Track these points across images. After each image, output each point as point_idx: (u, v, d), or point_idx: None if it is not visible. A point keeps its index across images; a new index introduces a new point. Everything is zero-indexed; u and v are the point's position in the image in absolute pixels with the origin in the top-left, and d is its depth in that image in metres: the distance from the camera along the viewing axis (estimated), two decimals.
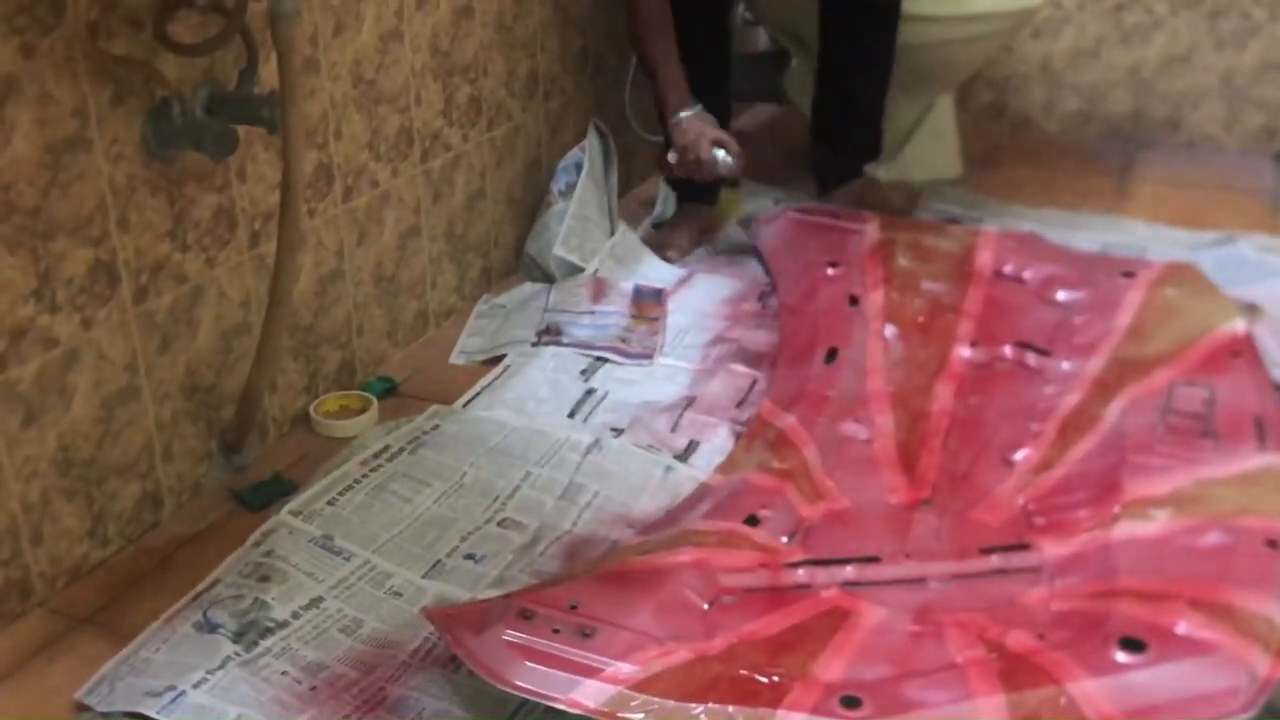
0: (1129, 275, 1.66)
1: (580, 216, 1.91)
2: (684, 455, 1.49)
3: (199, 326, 1.40)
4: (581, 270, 1.89)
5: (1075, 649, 1.03)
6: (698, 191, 2.05)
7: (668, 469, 1.46)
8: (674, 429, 1.55)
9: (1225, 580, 1.09)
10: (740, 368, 1.67)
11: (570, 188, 1.92)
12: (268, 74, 1.37)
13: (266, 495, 1.42)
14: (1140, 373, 1.45)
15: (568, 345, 1.72)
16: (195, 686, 1.09)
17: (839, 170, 2.15)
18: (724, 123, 2.05)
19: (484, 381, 1.66)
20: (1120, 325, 1.56)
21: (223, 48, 1.30)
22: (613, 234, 1.97)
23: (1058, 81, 2.61)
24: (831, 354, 1.60)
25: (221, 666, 1.12)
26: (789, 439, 1.46)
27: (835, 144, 2.14)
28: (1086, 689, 0.98)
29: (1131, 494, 1.25)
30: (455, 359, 1.75)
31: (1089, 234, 2.05)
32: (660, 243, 2.04)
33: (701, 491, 1.40)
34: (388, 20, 1.62)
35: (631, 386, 1.65)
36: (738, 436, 1.52)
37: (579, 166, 1.94)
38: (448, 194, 1.81)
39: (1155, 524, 1.20)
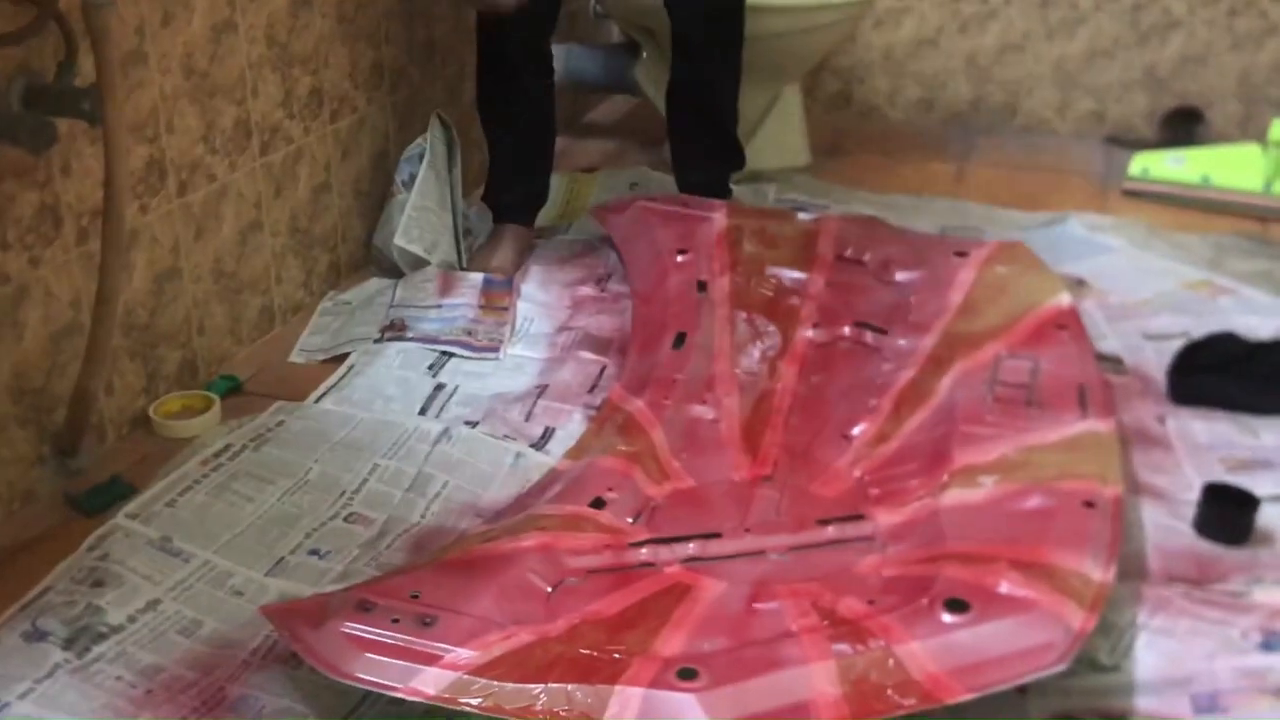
0: (962, 255, 1.72)
1: (421, 207, 1.89)
2: (540, 443, 1.50)
3: (25, 328, 1.35)
4: (425, 261, 1.87)
5: (903, 612, 1.06)
6: (512, 212, 2.02)
7: (518, 455, 1.46)
8: (528, 418, 1.55)
9: (1044, 541, 1.14)
10: (588, 355, 1.69)
11: (414, 178, 1.90)
12: (90, 66, 1.33)
13: (104, 499, 1.38)
14: (971, 347, 1.51)
15: (412, 340, 1.70)
16: (20, 698, 1.06)
17: (705, 183, 2.08)
18: (549, 146, 2.02)
19: (329, 381, 1.63)
20: (953, 303, 1.62)
21: (36, 37, 1.25)
22: (455, 224, 1.96)
23: (900, 70, 2.68)
24: (680, 338, 1.62)
25: (50, 675, 1.09)
26: (637, 422, 1.47)
27: (697, 154, 2.09)
28: (913, 650, 1.02)
29: (960, 462, 1.30)
30: (295, 358, 1.71)
31: (930, 217, 2.11)
32: (483, 265, 1.94)
33: (550, 477, 1.41)
34: (220, 10, 1.58)
35: (482, 379, 1.65)
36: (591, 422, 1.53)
37: (422, 157, 1.92)
38: (290, 188, 1.78)
39: (982, 490, 1.25)
